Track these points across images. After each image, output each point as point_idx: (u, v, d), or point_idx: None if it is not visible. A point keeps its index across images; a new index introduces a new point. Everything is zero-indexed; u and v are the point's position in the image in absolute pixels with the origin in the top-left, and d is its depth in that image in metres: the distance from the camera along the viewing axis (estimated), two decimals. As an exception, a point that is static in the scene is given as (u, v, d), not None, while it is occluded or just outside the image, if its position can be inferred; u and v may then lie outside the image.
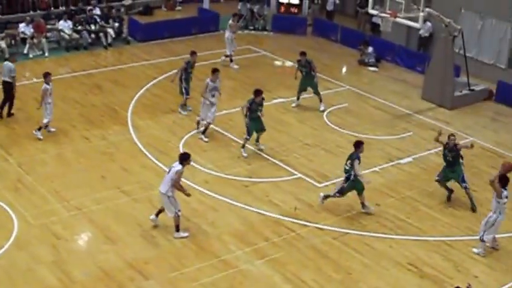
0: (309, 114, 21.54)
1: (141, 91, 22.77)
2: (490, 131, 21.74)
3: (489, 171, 18.66)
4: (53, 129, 19.42)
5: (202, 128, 19.66)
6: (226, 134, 19.87)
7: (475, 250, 15.21)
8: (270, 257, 14.45)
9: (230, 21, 25.63)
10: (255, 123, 18.69)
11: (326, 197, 16.41)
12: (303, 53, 22.01)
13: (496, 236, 15.20)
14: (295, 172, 18.08)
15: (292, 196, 16.90)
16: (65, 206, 15.75)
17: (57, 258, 13.94)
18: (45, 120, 18.96)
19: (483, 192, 17.54)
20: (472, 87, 23.94)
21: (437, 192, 17.47)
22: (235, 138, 19.58)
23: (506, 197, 14.68)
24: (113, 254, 14.16)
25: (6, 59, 21.40)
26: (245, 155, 18.74)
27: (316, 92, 22.03)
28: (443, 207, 16.84)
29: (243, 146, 18.82)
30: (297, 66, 22.23)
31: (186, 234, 14.95)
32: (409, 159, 19.20)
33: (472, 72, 24.11)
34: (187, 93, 21.02)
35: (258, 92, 18.57)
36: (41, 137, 18.93)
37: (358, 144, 16.11)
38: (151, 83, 23.55)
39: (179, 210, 14.75)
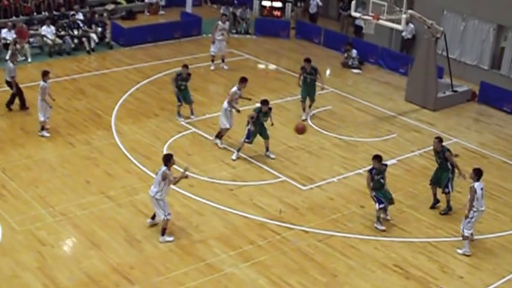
0: (292, 117, 21.57)
1: (125, 96, 22.71)
2: (473, 132, 21.90)
3: (472, 171, 18.93)
4: (47, 134, 19.59)
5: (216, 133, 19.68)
6: (210, 138, 19.83)
7: (459, 251, 15.36)
8: (255, 260, 14.48)
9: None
10: (258, 128, 18.74)
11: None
12: (307, 60, 21.51)
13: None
14: (280, 175, 18.12)
15: (276, 199, 16.94)
16: (50, 211, 15.71)
17: (42, 264, 13.91)
18: (42, 118, 19.28)
19: (467, 193, 17.45)
20: (455, 89, 24.09)
21: (422, 194, 17.63)
22: (218, 142, 19.53)
23: (482, 189, 15.06)
24: (98, 259, 14.13)
25: (7, 60, 21.83)
26: (234, 157, 18.77)
27: (313, 100, 21.77)
28: (427, 208, 16.93)
29: (239, 150, 18.85)
30: (301, 72, 21.67)
31: (171, 239, 14.95)
32: (393, 161, 19.23)
33: (455, 74, 24.33)
34: (179, 100, 20.98)
35: (265, 102, 18.60)
36: (48, 135, 19.40)
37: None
38: (135, 87, 23.50)
39: (169, 214, 14.77)
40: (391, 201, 16.08)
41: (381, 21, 22.69)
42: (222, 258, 14.46)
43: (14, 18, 27.95)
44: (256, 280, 13.87)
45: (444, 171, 16.68)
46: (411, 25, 26.97)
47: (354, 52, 26.89)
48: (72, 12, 28.08)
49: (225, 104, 19.19)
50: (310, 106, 21.88)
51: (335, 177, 18.24)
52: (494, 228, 16.30)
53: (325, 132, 20.76)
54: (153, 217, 15.32)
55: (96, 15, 28.28)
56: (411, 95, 23.64)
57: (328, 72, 26.90)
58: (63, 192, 16.61)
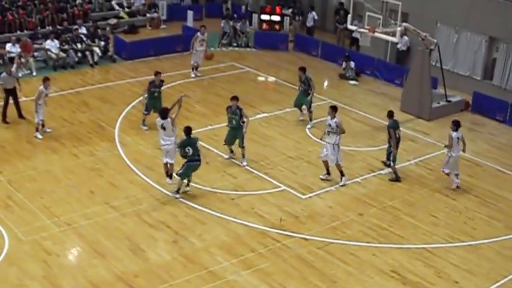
0: (291, 127, 21.81)
1: (128, 108, 22.88)
2: (467, 141, 21.54)
3: (467, 179, 19.22)
4: (48, 130, 20.36)
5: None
6: (212, 149, 20.02)
7: (453, 185, 18.39)
8: (256, 267, 14.62)
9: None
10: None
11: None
12: (302, 69, 22.08)
13: (457, 172, 18.48)
14: (280, 184, 18.30)
15: (277, 208, 17.09)
16: (55, 221, 15.84)
17: (48, 273, 14.03)
18: (36, 119, 20.07)
19: (462, 201, 18.11)
20: (449, 99, 24.34)
21: (418, 201, 17.90)
22: (220, 154, 19.80)
23: (458, 138, 17.95)
24: (102, 268, 14.27)
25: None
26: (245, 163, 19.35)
27: (309, 110, 22.12)
28: (424, 215, 17.18)
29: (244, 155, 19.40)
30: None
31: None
32: (390, 169, 19.37)
33: (449, 84, 24.53)
34: (146, 109, 21.34)
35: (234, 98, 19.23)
36: (41, 137, 20.10)
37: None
38: (138, 100, 23.46)
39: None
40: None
41: (376, 34, 23.03)
42: (225, 266, 14.59)
43: (18, 32, 28.25)
44: (258, 287, 14.00)
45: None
46: (406, 37, 27.24)
47: (352, 64, 27.20)
48: (75, 27, 28.39)
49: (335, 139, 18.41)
50: (310, 118, 22.17)
51: (333, 186, 18.41)
52: (489, 234, 16.52)
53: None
54: (170, 175, 17.25)
55: (99, 30, 28.56)
56: (406, 105, 23.85)
57: (326, 83, 27.13)
58: (68, 203, 16.73)
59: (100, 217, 16.20)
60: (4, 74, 21.50)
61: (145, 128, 21.29)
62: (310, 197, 17.85)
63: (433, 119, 23.49)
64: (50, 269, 14.18)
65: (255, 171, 18.96)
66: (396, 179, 18.87)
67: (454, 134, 18.09)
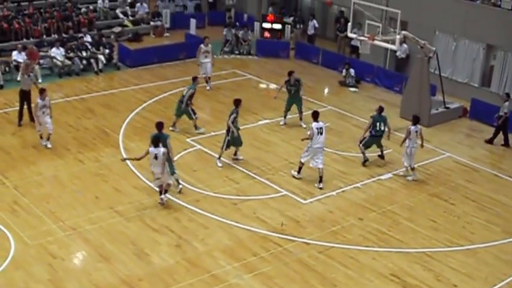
0: (293, 134, 21.95)
1: (132, 114, 23.00)
2: (465, 147, 22.25)
3: (465, 185, 19.46)
4: (49, 145, 20.10)
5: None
6: (214, 155, 20.16)
7: (409, 178, 19.35)
8: (258, 271, 14.74)
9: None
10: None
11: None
12: (291, 72, 22.65)
13: (415, 165, 19.48)
14: (281, 190, 18.46)
15: (278, 213, 17.23)
16: (61, 226, 15.98)
17: (54, 276, 14.17)
18: (36, 129, 20.23)
19: (460, 206, 18.31)
20: (447, 106, 24.49)
21: (418, 206, 18.09)
22: (223, 159, 19.91)
23: (416, 131, 19.06)
24: (107, 272, 14.40)
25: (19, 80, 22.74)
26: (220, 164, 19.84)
27: (301, 110, 22.63)
28: (423, 220, 17.36)
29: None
30: (284, 86, 22.77)
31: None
32: (389, 175, 19.70)
33: (447, 91, 24.67)
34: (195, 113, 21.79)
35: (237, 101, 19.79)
36: (50, 146, 20.12)
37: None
38: (142, 106, 23.78)
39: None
40: None
41: (376, 42, 23.21)
42: (227, 270, 14.72)
43: (24, 40, 28.37)
44: (260, 290, 14.15)
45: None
46: (405, 45, 27.39)
47: (352, 71, 27.39)
48: (80, 35, 28.55)
49: None
50: (300, 118, 22.65)
51: (334, 191, 18.59)
52: (487, 238, 16.69)
53: (324, 148, 21.13)
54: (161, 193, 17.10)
55: (104, 38, 28.63)
56: (406, 111, 23.86)
57: (326, 90, 27.29)
58: (73, 208, 16.84)
59: (105, 222, 16.33)
60: (23, 74, 21.93)
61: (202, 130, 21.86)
62: (311, 202, 18.00)
63: (432, 125, 23.63)
64: (56, 273, 14.30)
65: (256, 177, 19.12)
66: (364, 160, 20.27)
67: (412, 128, 19.16)
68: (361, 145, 20.23)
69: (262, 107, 24.20)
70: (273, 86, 27.06)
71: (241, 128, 20.28)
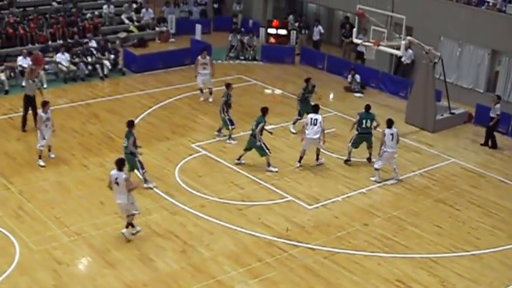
0: (298, 139, 21.83)
1: (137, 120, 22.89)
2: (470, 152, 22.24)
3: (471, 190, 19.47)
4: (52, 156, 19.83)
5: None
6: (220, 160, 20.28)
7: (372, 179, 19.42)
8: (263, 276, 14.78)
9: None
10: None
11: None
12: (308, 79, 22.74)
13: (395, 167, 19.56)
14: (286, 195, 18.49)
15: (283, 218, 17.26)
16: (65, 231, 16.02)
17: (59, 282, 14.20)
18: (37, 145, 19.41)
19: (466, 211, 18.30)
20: (452, 111, 24.49)
21: (423, 211, 18.08)
22: (228, 165, 20.03)
23: (391, 134, 19.04)
24: (112, 278, 14.43)
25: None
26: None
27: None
28: (428, 225, 17.35)
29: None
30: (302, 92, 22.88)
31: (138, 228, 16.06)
32: (395, 180, 19.71)
33: (452, 97, 24.63)
34: (232, 123, 21.78)
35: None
36: (43, 164, 19.33)
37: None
38: (147, 112, 23.85)
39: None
40: None
41: (381, 47, 23.19)
42: (232, 275, 14.74)
43: (29, 46, 28.42)
44: (265, 295, 14.16)
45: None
46: (410, 51, 27.39)
47: (358, 77, 27.43)
48: (86, 40, 28.61)
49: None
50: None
51: (339, 196, 18.61)
52: (492, 243, 16.69)
53: (329, 153, 21.12)
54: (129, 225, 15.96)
55: (109, 43, 28.78)
56: (411, 117, 24.04)
57: (331, 96, 27.31)
58: (78, 213, 16.88)
59: (110, 227, 16.37)
60: (28, 79, 21.97)
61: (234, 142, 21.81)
62: (316, 207, 18.02)
63: (437, 130, 23.66)
64: (60, 278, 14.34)
65: (262, 182, 19.15)
66: (347, 159, 20.52)
67: (387, 131, 19.23)
68: (349, 144, 20.50)
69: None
70: (278, 91, 27.07)
71: (245, 133, 20.40)
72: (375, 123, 20.52)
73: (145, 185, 18.36)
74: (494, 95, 23.42)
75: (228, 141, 21.72)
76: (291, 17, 34.31)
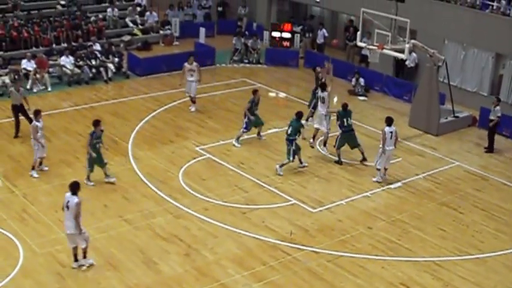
0: (302, 142, 21.85)
1: (141, 123, 23.10)
2: (474, 156, 22.23)
3: (474, 193, 19.47)
4: (45, 168, 19.42)
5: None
6: (224, 163, 20.31)
7: (374, 179, 19.46)
8: (267, 280, 14.79)
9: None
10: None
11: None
12: (255, 91, 22.37)
13: (387, 167, 19.65)
14: (290, 198, 18.50)
15: (287, 221, 17.27)
16: None
17: (62, 285, 14.24)
18: (36, 156, 19.04)
19: (469, 214, 18.30)
20: (456, 114, 24.48)
21: (426, 215, 18.08)
22: (232, 168, 20.06)
23: (391, 132, 19.02)
24: (116, 280, 14.47)
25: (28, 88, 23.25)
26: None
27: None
28: (432, 229, 17.35)
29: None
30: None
31: (91, 261, 15.09)
32: (399, 184, 19.71)
33: (456, 100, 24.64)
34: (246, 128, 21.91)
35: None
36: (37, 176, 19.00)
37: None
38: (151, 115, 23.88)
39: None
40: None
41: (385, 51, 23.23)
42: (236, 279, 14.76)
43: (34, 49, 28.47)
44: (269, 298, 14.18)
45: None
46: (414, 54, 27.45)
47: (362, 81, 27.47)
48: (90, 43, 28.76)
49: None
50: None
51: (343, 199, 18.62)
52: (496, 247, 16.69)
53: (332, 156, 21.12)
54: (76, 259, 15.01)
55: (113, 46, 28.86)
56: (415, 120, 24.07)
57: (335, 99, 27.22)
58: (82, 216, 16.33)
59: (113, 230, 16.41)
60: (13, 89, 21.87)
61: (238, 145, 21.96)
62: (320, 210, 18.03)
63: (441, 134, 23.67)
64: (64, 281, 14.37)
65: (266, 186, 19.16)
66: (338, 161, 20.76)
67: (387, 129, 19.19)
68: (336, 147, 20.74)
69: (271, 116, 24.21)
70: (282, 94, 27.08)
71: (249, 137, 20.58)
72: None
73: (106, 179, 18.86)
74: (494, 97, 23.40)
75: (234, 142, 21.78)
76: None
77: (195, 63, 24.43)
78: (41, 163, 19.35)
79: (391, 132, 19.24)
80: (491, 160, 22.01)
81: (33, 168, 19.14)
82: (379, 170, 19.55)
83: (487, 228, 17.60)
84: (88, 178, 18.64)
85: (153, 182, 18.88)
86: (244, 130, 21.77)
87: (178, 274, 14.85)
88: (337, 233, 16.91)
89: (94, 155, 18.40)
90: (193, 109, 24.60)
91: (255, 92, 22.15)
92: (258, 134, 22.36)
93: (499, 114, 22.32)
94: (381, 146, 19.29)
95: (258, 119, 22.04)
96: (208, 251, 15.78)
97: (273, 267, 15.31)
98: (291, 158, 19.83)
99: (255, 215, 17.56)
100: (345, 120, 20.50)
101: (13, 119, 21.82)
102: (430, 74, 23.75)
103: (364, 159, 20.82)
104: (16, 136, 21.59)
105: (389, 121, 19.39)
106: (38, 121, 18.97)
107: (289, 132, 19.81)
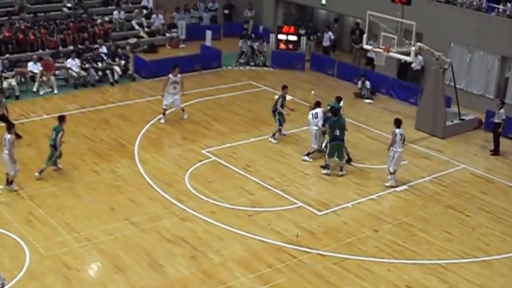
0: (308, 145, 21.88)
1: (147, 126, 23.12)
2: (480, 158, 22.22)
3: (480, 196, 19.45)
4: (16, 188, 18.47)
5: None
6: (230, 166, 20.33)
7: (387, 184, 19.40)
8: (273, 282, 14.76)
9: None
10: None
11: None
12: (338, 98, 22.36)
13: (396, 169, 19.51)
14: (296, 201, 18.50)
15: (293, 224, 17.26)
16: (76, 237, 16.05)
17: (69, 287, 14.25)
18: (12, 172, 18.22)
19: (475, 217, 18.29)
20: (462, 117, 24.47)
21: (432, 217, 18.06)
22: (238, 170, 20.08)
23: (401, 134, 19.17)
24: (122, 283, 14.46)
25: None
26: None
27: None
28: (438, 232, 17.34)
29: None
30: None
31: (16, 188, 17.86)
32: (405, 186, 19.69)
33: (462, 103, 24.65)
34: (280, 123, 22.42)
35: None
36: (16, 188, 18.38)
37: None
38: (157, 117, 23.82)
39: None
40: None
41: (391, 54, 23.21)
42: (242, 281, 14.75)
43: (40, 51, 28.47)
44: (275, 301, 14.17)
45: None
46: (420, 57, 27.45)
47: (368, 83, 27.48)
48: (96, 46, 28.77)
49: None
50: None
51: (349, 202, 18.62)
52: (501, 249, 16.66)
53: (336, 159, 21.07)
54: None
55: (120, 49, 28.86)
56: (421, 123, 24.05)
57: (341, 102, 27.40)
58: (88, 219, 16.93)
59: (120, 233, 16.40)
60: None
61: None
62: (326, 213, 18.02)
63: (447, 137, 23.66)
64: (70, 284, 14.36)
65: (272, 188, 19.17)
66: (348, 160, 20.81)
67: (397, 131, 19.22)
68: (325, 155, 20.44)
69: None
70: (288, 97, 27.02)
71: (256, 139, 20.55)
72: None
73: (54, 167, 19.49)
74: (498, 100, 23.36)
75: (270, 139, 22.25)
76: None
77: (179, 75, 23.64)
78: (12, 182, 18.46)
79: (401, 134, 19.31)
80: (497, 163, 21.99)
81: (11, 183, 18.42)
82: (392, 173, 19.53)
83: (492, 231, 17.58)
84: (41, 171, 19.23)
85: (160, 185, 18.89)
86: (280, 126, 22.30)
87: (184, 276, 14.85)
88: (343, 236, 16.91)
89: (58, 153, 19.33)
90: (185, 117, 24.05)
91: (284, 87, 22.52)
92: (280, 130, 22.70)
93: (504, 117, 22.29)
94: (393, 148, 19.28)
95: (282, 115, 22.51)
96: (214, 254, 15.78)
97: (279, 269, 15.29)
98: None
99: (261, 218, 17.55)
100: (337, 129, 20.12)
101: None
102: (436, 76, 23.75)
103: (350, 159, 20.91)
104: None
105: (398, 123, 19.44)
106: (10, 134, 18.18)
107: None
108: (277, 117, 22.28)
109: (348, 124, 23.95)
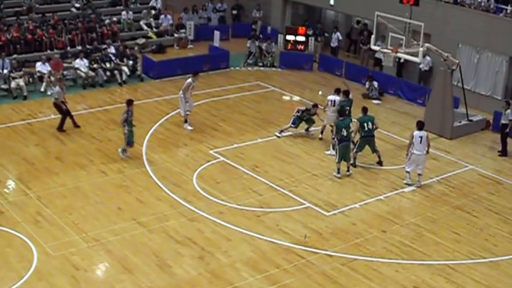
0: (316, 146, 22.04)
1: (155, 126, 23.15)
2: (488, 159, 22.19)
3: (488, 197, 19.42)
4: (128, 154, 20.52)
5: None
6: (238, 166, 20.34)
7: (404, 181, 19.64)
8: (281, 283, 14.75)
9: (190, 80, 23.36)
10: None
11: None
12: (347, 92, 22.52)
13: (420, 173, 19.61)
14: (304, 202, 18.49)
15: (301, 225, 17.26)
16: (83, 237, 16.05)
17: (76, 287, 14.27)
18: None
19: (483, 218, 18.26)
20: (470, 118, 24.45)
21: (440, 218, 18.04)
22: (246, 171, 20.09)
23: (420, 137, 19.07)
24: (130, 283, 14.44)
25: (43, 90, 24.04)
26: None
27: None
28: (446, 232, 17.31)
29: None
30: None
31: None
32: (413, 187, 19.67)
33: (470, 104, 24.63)
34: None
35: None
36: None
37: None
38: (165, 118, 23.90)
39: None
40: None
41: (399, 54, 23.27)
42: (250, 282, 14.74)
43: (48, 51, 28.59)
44: (283, 302, 14.16)
45: None
46: (428, 58, 27.44)
47: (376, 84, 27.49)
48: (104, 46, 28.87)
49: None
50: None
51: (357, 203, 18.61)
52: (509, 250, 16.63)
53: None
54: None
55: (128, 49, 28.92)
56: (429, 124, 23.32)
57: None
58: (96, 219, 16.93)
59: (128, 233, 16.40)
60: (57, 87, 22.39)
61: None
62: (334, 214, 18.01)
63: (455, 137, 23.65)
64: (78, 284, 14.35)
65: (280, 189, 19.17)
66: (353, 164, 20.79)
67: (416, 133, 19.27)
68: (353, 151, 20.66)
69: (285, 119, 24.08)
70: (296, 98, 27.12)
71: (263, 140, 20.46)
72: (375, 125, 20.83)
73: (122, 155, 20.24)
74: (504, 101, 23.31)
75: (276, 133, 22.82)
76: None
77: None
78: None
79: (421, 136, 19.23)
80: (505, 164, 21.95)
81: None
82: (408, 172, 19.65)
83: (500, 232, 17.54)
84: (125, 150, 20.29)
85: (167, 185, 18.90)
86: (292, 125, 22.60)
87: (192, 277, 14.85)
88: (351, 237, 16.90)
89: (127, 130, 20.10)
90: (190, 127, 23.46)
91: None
92: (307, 129, 23.01)
93: (511, 118, 22.22)
94: (411, 149, 19.33)
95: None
96: (222, 254, 15.78)
97: (287, 270, 15.29)
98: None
99: (269, 218, 17.55)
100: (365, 124, 20.51)
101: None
102: (444, 77, 23.72)
103: (380, 162, 20.88)
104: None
105: (420, 125, 19.43)
106: None
107: (370, 127, 20.64)
108: (293, 116, 22.61)
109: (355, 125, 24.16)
